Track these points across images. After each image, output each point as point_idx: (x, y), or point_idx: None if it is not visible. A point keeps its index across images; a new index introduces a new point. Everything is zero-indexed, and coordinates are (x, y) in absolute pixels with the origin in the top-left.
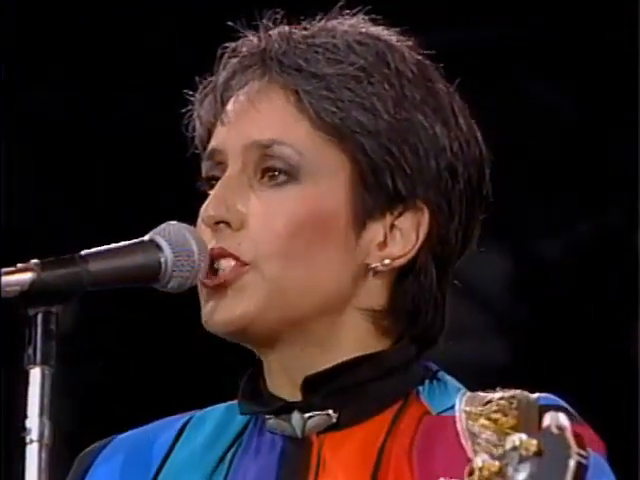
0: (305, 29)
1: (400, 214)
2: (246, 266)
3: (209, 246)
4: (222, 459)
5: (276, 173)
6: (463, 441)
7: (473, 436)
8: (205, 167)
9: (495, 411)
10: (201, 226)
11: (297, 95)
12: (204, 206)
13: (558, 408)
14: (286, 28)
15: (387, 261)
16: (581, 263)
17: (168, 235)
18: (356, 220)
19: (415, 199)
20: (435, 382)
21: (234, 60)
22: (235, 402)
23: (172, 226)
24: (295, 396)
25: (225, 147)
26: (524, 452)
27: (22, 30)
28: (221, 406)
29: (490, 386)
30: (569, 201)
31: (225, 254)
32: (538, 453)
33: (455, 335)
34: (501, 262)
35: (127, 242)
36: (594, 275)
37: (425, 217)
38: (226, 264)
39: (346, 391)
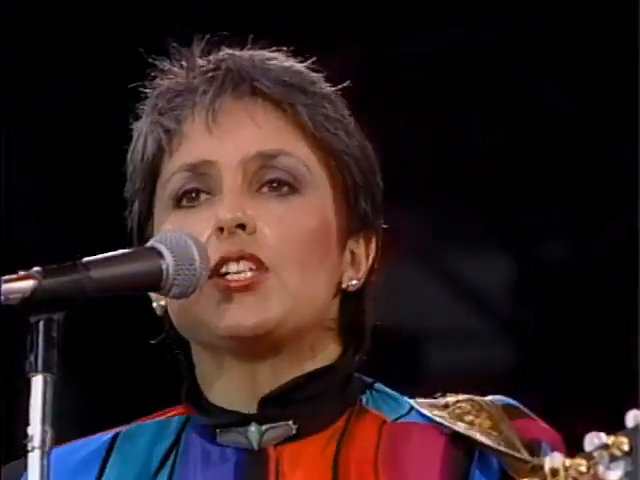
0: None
1: (357, 239)
2: (268, 272)
3: (222, 250)
4: (159, 471)
5: (278, 185)
6: (470, 434)
7: (470, 433)
8: (180, 179)
9: (462, 415)
10: (206, 233)
11: (292, 108)
12: (218, 212)
13: (516, 408)
14: (233, 50)
15: (354, 282)
16: (583, 266)
17: (169, 242)
18: (340, 238)
19: (373, 226)
20: (375, 392)
21: (196, 77)
22: (162, 418)
23: (173, 233)
24: (250, 408)
25: (219, 158)
26: (616, 451)
27: (22, 30)
28: (148, 421)
29: (495, 390)
30: (571, 204)
31: (246, 256)
32: (629, 452)
33: (459, 340)
34: (504, 267)
35: (129, 249)
36: (596, 277)
37: (374, 241)
38: (244, 267)
39: (303, 403)
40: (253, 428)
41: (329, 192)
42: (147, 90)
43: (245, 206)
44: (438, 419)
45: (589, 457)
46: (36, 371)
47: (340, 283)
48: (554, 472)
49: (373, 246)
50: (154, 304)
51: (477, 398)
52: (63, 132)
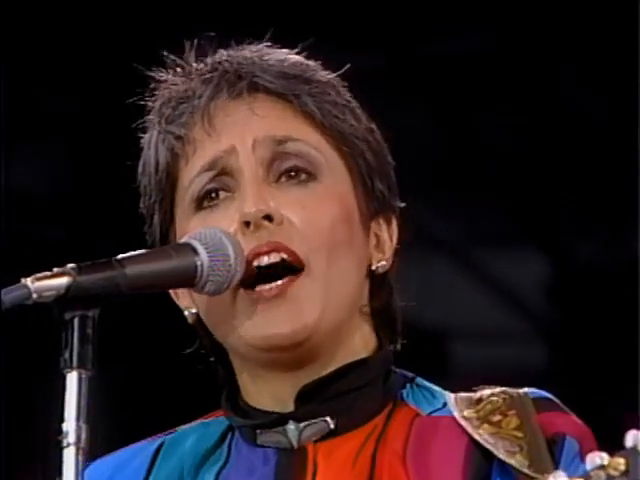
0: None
1: (378, 220)
2: (297, 275)
3: (251, 244)
4: (203, 473)
5: (295, 173)
6: (488, 446)
7: (489, 444)
8: (200, 182)
9: (492, 412)
10: (231, 229)
11: (299, 100)
12: (242, 207)
13: (548, 401)
14: (230, 50)
15: (383, 263)
16: (617, 266)
17: (204, 239)
18: (363, 222)
19: (391, 206)
20: (416, 387)
21: (195, 81)
22: (204, 421)
23: (208, 230)
24: (285, 407)
25: (234, 147)
26: (612, 471)
27: (24, 30)
28: (193, 426)
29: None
30: (604, 205)
31: (280, 248)
32: (625, 472)
33: (492, 339)
34: (539, 266)
35: (163, 246)
36: (630, 278)
37: (394, 221)
38: (275, 258)
39: (340, 398)
40: (292, 426)
41: (346, 177)
42: (149, 103)
43: (267, 197)
44: (463, 422)
45: (587, 477)
46: (71, 367)
47: (369, 266)
48: None
49: (394, 226)
50: (185, 312)
51: (510, 391)
52: (74, 134)
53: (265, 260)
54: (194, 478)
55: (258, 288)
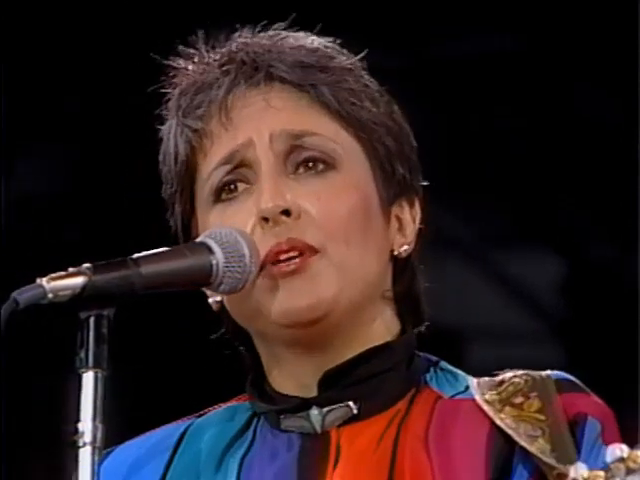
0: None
1: (400, 203)
2: (315, 254)
3: (271, 241)
4: (228, 458)
5: (313, 164)
6: (509, 431)
7: (511, 430)
8: (218, 174)
9: (514, 393)
10: (250, 223)
11: (315, 89)
12: (260, 201)
13: (569, 382)
14: (246, 38)
15: (405, 247)
16: (631, 266)
17: (219, 237)
18: (383, 207)
19: (413, 188)
20: (440, 371)
21: (212, 71)
22: (231, 404)
23: (223, 229)
24: (309, 392)
25: (251, 140)
26: (632, 464)
27: (24, 30)
28: (219, 410)
29: None
30: (620, 207)
31: (299, 246)
32: None
33: (507, 339)
34: (555, 267)
35: (179, 245)
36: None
37: (417, 203)
38: (294, 254)
39: (363, 383)
40: (315, 411)
41: (365, 164)
42: (168, 91)
43: (284, 190)
44: (485, 406)
45: (607, 470)
46: (87, 367)
47: (392, 251)
48: None
49: (417, 208)
50: (210, 300)
51: (533, 373)
52: (74, 134)
53: (284, 257)
54: (219, 464)
55: (275, 265)
